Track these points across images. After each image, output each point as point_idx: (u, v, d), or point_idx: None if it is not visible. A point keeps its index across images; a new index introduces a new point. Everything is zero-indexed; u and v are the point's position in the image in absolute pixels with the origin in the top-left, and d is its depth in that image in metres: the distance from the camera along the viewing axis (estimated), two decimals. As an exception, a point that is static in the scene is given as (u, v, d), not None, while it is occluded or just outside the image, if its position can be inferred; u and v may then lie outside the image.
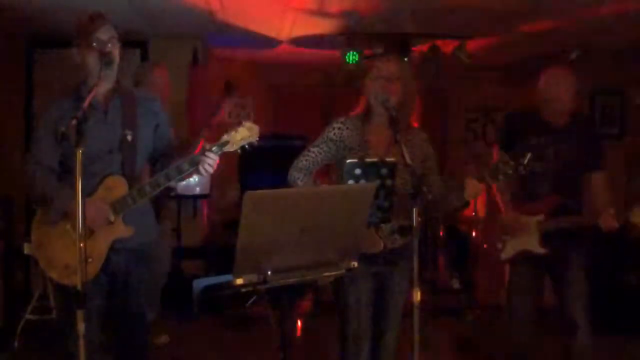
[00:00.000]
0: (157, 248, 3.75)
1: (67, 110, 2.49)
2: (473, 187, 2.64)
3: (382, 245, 2.71)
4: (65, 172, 2.56)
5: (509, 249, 3.33)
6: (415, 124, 2.95)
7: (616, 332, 4.79)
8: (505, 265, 3.44)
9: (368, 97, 2.79)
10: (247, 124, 2.44)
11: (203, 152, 2.42)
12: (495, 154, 3.43)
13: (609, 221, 3.07)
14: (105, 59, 2.45)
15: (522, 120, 3.41)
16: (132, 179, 2.56)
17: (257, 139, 2.46)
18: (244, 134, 2.42)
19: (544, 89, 3.25)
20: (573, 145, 3.23)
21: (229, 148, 2.43)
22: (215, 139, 2.48)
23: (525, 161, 2.56)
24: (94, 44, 2.48)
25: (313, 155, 2.81)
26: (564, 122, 3.27)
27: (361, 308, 2.78)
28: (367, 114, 2.82)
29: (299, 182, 2.79)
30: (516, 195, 3.35)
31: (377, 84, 2.75)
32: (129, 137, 2.57)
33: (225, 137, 2.42)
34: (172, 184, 2.51)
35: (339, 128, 2.80)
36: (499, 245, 3.37)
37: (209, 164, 2.43)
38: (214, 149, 2.42)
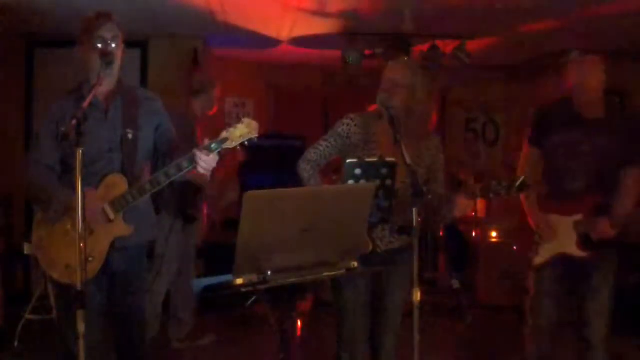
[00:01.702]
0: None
1: (68, 110, 2.49)
2: (463, 205, 2.64)
3: (370, 246, 2.70)
4: (65, 171, 2.56)
5: (544, 253, 3.10)
6: (432, 127, 2.93)
7: (615, 332, 4.79)
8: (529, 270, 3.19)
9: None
10: (246, 120, 2.40)
11: (202, 150, 2.39)
12: (525, 149, 3.24)
13: (603, 228, 2.93)
14: (106, 58, 2.45)
15: (553, 112, 3.16)
16: (132, 178, 2.57)
17: (257, 135, 2.42)
18: (243, 131, 2.38)
19: (575, 77, 3.05)
20: (610, 138, 2.99)
21: (228, 145, 2.39)
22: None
23: (518, 184, 2.51)
24: (97, 42, 2.48)
25: (322, 149, 2.84)
26: (598, 114, 3.04)
27: (358, 309, 2.79)
28: (376, 114, 2.84)
29: (305, 173, 2.81)
30: (548, 194, 3.15)
31: (382, 86, 2.79)
32: (130, 136, 2.57)
33: (224, 134, 2.39)
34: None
35: (348, 124, 2.83)
36: (532, 250, 3.15)
37: (207, 162, 2.39)
38: (213, 146, 2.39)
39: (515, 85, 7.39)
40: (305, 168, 2.82)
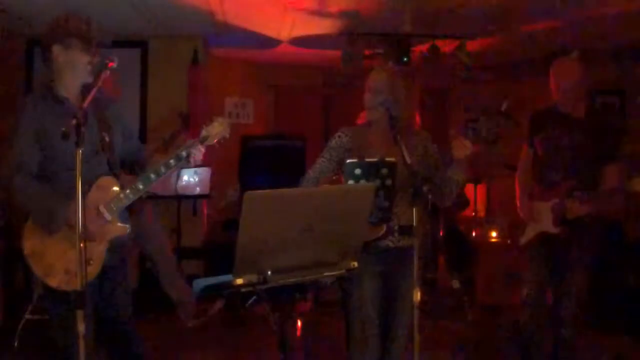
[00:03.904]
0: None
1: (47, 113, 2.55)
2: (460, 146, 2.70)
3: (384, 228, 2.71)
4: (42, 177, 2.53)
5: (528, 233, 3.47)
6: (417, 126, 3.00)
7: (616, 332, 4.80)
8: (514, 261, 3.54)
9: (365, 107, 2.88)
10: (219, 119, 2.62)
11: (186, 148, 2.57)
12: (524, 152, 3.61)
13: (574, 207, 3.23)
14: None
15: (543, 116, 3.50)
16: (118, 179, 2.59)
17: (228, 133, 2.63)
18: (218, 129, 2.60)
19: (552, 79, 3.37)
20: (587, 135, 3.31)
21: (209, 142, 2.59)
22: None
23: (503, 108, 2.64)
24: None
25: (318, 166, 2.89)
26: (579, 113, 3.37)
27: (368, 307, 2.79)
28: (366, 125, 2.91)
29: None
30: (535, 184, 3.51)
31: (366, 95, 2.84)
32: (107, 139, 2.60)
33: (203, 132, 2.59)
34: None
35: (339, 137, 2.89)
36: (519, 232, 3.53)
37: (194, 154, 2.58)
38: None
39: (515, 85, 7.39)
40: (305, 185, 2.86)
